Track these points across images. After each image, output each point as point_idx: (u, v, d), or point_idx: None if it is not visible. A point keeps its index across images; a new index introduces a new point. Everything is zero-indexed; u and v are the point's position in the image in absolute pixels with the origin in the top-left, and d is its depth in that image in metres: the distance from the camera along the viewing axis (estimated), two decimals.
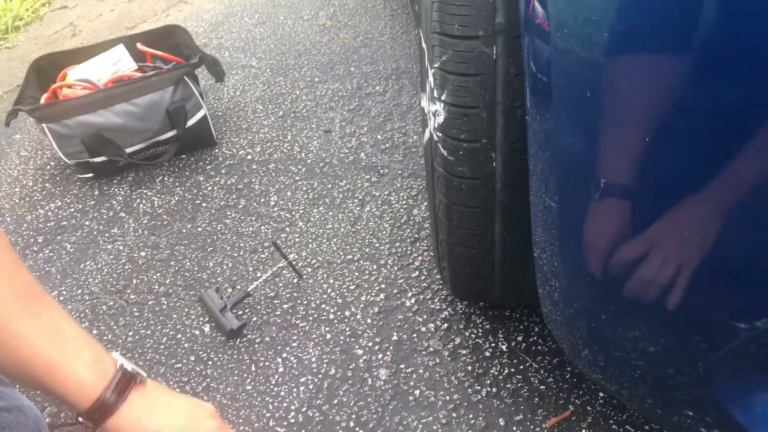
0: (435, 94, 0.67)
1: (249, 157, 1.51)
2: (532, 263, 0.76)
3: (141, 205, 1.39)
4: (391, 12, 2.21)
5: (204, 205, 1.38)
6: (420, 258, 1.15)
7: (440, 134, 0.69)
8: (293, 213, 1.31)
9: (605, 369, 0.64)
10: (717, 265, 0.42)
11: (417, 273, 1.12)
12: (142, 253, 1.25)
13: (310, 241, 1.23)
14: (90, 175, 1.47)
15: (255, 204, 1.36)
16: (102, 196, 1.44)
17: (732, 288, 0.40)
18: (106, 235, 1.31)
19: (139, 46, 1.49)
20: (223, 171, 1.48)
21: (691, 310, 0.46)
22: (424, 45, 0.70)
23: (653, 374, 0.57)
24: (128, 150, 1.41)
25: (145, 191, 1.44)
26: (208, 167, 1.50)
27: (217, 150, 1.55)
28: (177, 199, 1.41)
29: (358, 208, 1.30)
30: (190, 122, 1.45)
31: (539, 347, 0.96)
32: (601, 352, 0.63)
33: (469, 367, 0.95)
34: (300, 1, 2.38)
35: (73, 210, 1.41)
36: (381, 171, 1.41)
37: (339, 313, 1.06)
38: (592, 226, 0.53)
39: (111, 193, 1.45)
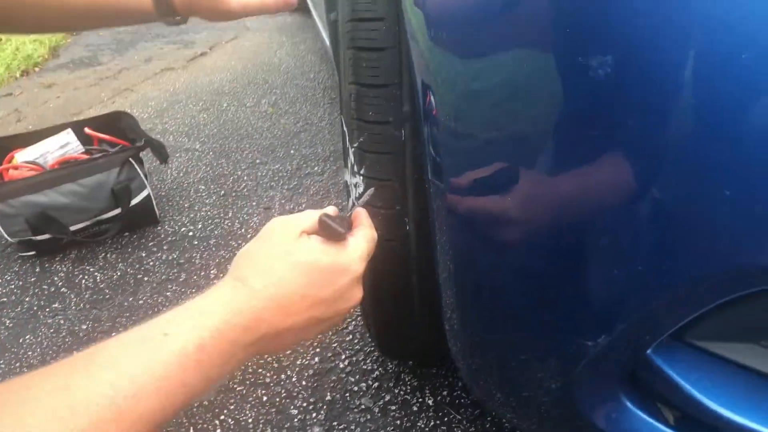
0: (355, 169, 0.79)
1: (190, 233, 1.58)
2: None
3: (83, 281, 1.43)
4: (329, 100, 2.38)
5: (146, 279, 1.43)
6: (354, 322, 1.23)
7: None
8: None
9: (516, 410, 0.73)
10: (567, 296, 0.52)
11: (351, 336, 1.20)
12: (84, 326, 1.28)
13: None
14: (32, 253, 1.50)
15: (195, 277, 1.42)
16: (43, 272, 1.47)
17: (578, 310, 0.51)
18: (47, 309, 1.34)
19: (86, 130, 1.57)
20: (165, 247, 1.54)
21: (555, 339, 0.57)
22: (345, 128, 0.82)
23: (554, 408, 0.65)
24: (72, 228, 1.46)
25: (87, 267, 1.48)
26: (150, 243, 1.56)
27: (159, 227, 1.62)
28: (119, 274, 1.45)
29: None
30: (134, 201, 1.52)
31: (462, 400, 1.04)
32: (510, 395, 0.71)
33: (398, 422, 1.01)
34: (243, 89, 2.54)
35: (13, 287, 1.43)
36: None
37: (275, 376, 1.12)
38: (486, 285, 0.64)
39: (53, 270, 1.48)
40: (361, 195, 0.79)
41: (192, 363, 0.45)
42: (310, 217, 0.60)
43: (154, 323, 0.46)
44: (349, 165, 0.82)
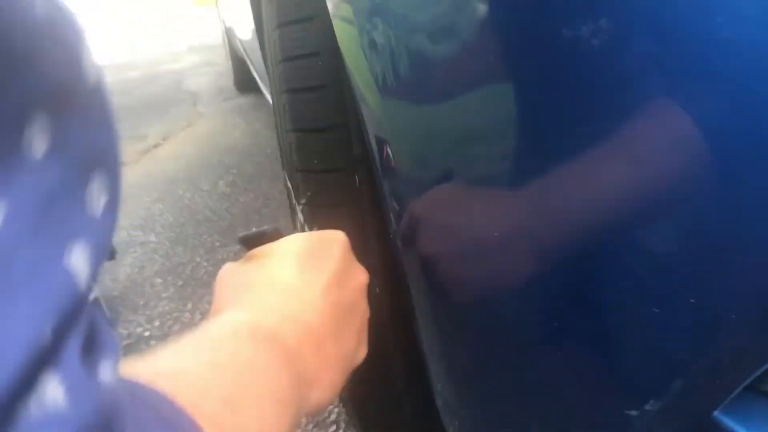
0: (306, 229, 0.66)
1: (147, 333, 1.42)
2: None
3: None
4: None
5: None
6: (336, 410, 1.07)
7: None
8: None
9: None
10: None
11: (334, 427, 1.04)
12: None
13: None
14: None
15: None
16: None
17: (618, 367, 0.38)
18: None
19: None
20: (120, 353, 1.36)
21: (585, 410, 0.43)
22: (289, 185, 0.70)
23: None
24: None
25: None
26: None
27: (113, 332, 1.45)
28: None
29: None
30: None
31: None
32: None
33: None
34: (199, 174, 2.42)
35: None
36: None
37: None
38: (482, 347, 0.52)
39: None
40: None
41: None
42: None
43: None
44: (299, 226, 0.69)
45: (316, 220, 0.64)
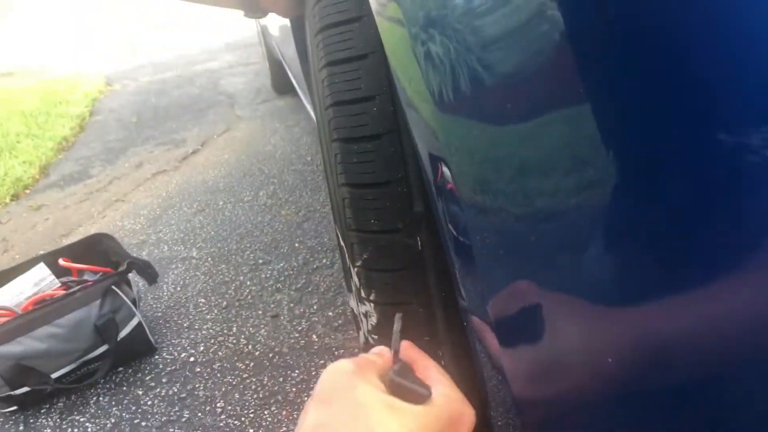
0: (362, 294, 0.60)
1: (192, 359, 1.39)
2: None
3: None
4: None
5: (144, 424, 1.22)
6: None
7: (376, 337, 0.61)
8: (243, 419, 1.17)
9: None
10: None
11: None
12: None
13: None
14: (13, 408, 1.31)
15: (200, 414, 1.21)
16: (28, 430, 1.27)
17: None
18: None
19: (60, 261, 1.41)
20: (163, 380, 1.34)
21: None
22: (341, 243, 0.64)
23: None
24: (55, 375, 1.27)
25: (77, 418, 1.28)
26: (147, 378, 1.36)
27: (156, 356, 1.42)
28: (113, 421, 1.25)
29: None
30: (123, 333, 1.33)
31: None
32: None
33: None
34: (239, 183, 2.40)
35: None
36: (336, 352, 1.31)
37: None
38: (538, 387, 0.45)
39: (38, 426, 1.28)
40: (374, 327, 0.60)
41: None
42: (371, 368, 0.46)
43: None
44: (354, 289, 0.63)
45: (374, 286, 0.58)
